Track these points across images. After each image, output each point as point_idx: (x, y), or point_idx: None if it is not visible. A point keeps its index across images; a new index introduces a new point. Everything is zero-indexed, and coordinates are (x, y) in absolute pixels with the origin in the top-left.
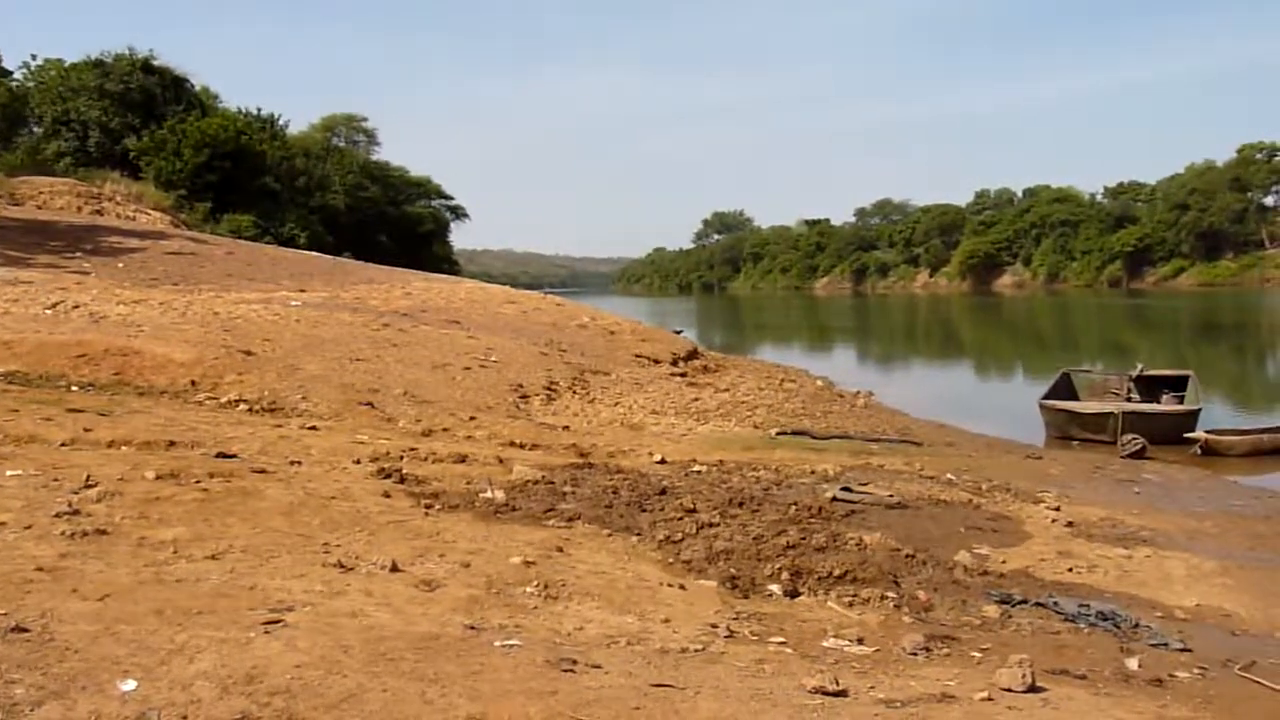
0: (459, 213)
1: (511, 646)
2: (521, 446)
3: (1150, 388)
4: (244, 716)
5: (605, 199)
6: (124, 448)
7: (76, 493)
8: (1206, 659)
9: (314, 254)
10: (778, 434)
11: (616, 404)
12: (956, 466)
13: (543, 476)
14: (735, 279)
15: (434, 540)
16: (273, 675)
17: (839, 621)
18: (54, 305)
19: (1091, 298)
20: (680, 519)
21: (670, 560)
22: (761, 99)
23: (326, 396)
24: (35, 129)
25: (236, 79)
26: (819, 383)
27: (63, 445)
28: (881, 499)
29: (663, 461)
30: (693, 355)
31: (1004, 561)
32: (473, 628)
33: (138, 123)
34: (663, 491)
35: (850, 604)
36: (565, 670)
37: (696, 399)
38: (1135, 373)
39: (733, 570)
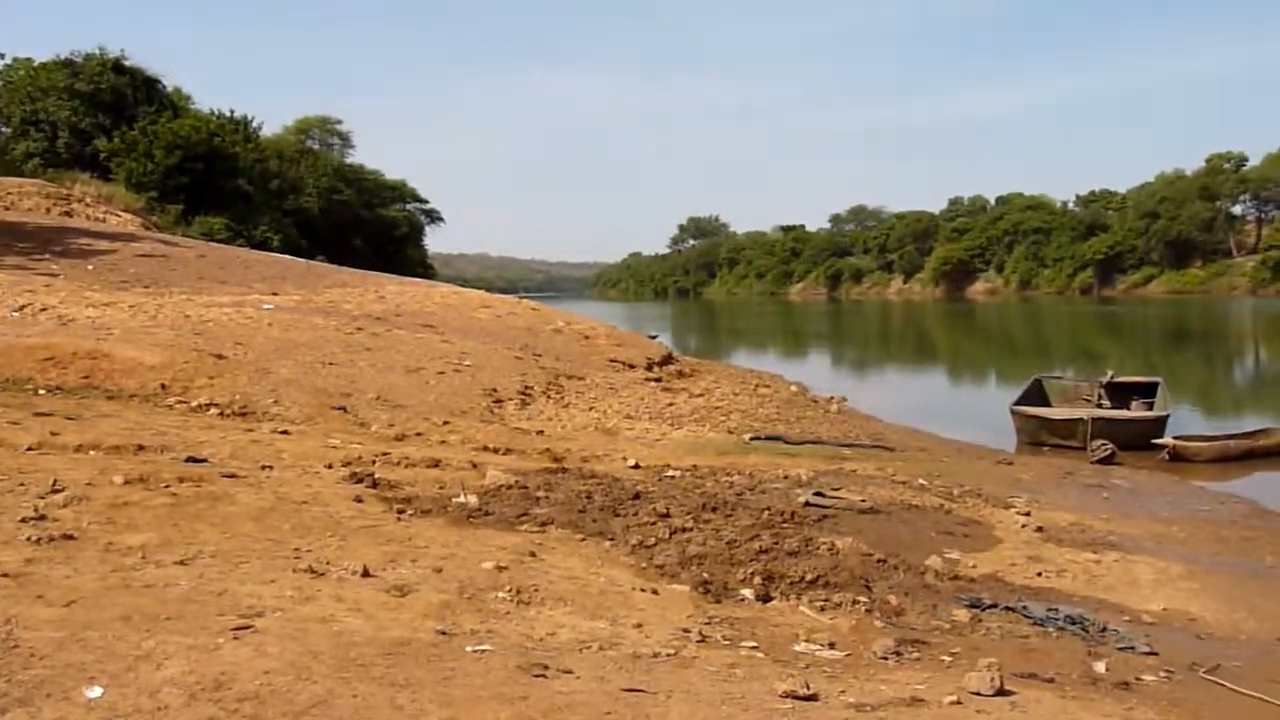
0: (434, 216)
1: (483, 652)
2: (495, 451)
3: (1120, 394)
4: None
5: (582, 204)
6: (92, 452)
7: (43, 497)
8: (1172, 662)
9: (287, 257)
10: (752, 439)
11: (591, 409)
12: (928, 471)
13: (516, 481)
14: (711, 284)
15: (406, 545)
16: (241, 681)
17: (811, 626)
18: (21, 308)
19: (1063, 305)
20: (653, 524)
21: (643, 565)
22: (738, 105)
23: (299, 400)
24: (3, 129)
25: (209, 80)
26: (793, 388)
27: (29, 449)
28: (854, 504)
29: (637, 466)
30: (667, 360)
31: (974, 566)
32: (444, 633)
33: (108, 123)
34: (636, 496)
35: (822, 608)
36: (537, 675)
37: (671, 404)
38: (1106, 379)
39: (705, 575)
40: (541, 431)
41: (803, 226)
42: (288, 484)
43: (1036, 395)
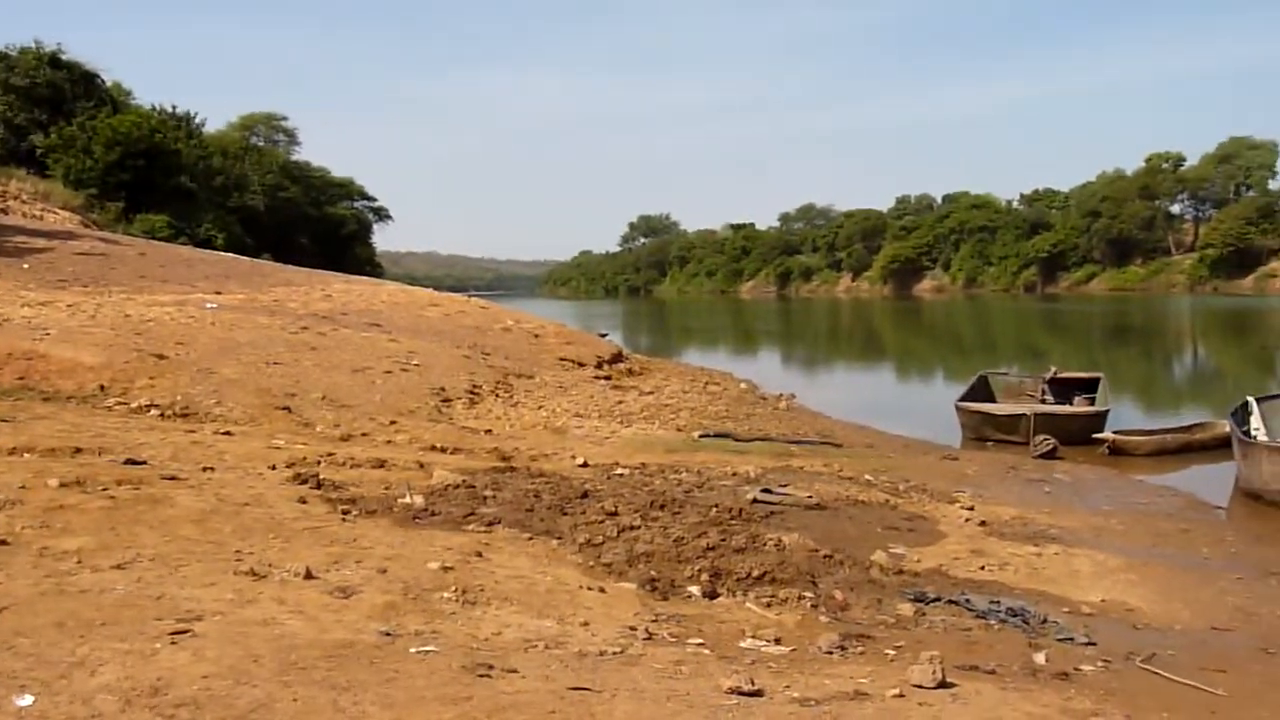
0: (382, 214)
1: (427, 653)
2: (443, 451)
3: (1063, 390)
4: None
5: (532, 202)
6: (26, 455)
7: None
8: (1110, 652)
9: (231, 255)
10: (701, 436)
11: (540, 407)
12: (875, 467)
13: (463, 481)
14: (661, 282)
15: (350, 546)
16: (179, 686)
17: (757, 622)
18: None
19: (1008, 302)
20: (601, 522)
21: (591, 563)
22: (689, 104)
23: (242, 401)
24: None
25: (151, 77)
26: (743, 386)
27: None
28: (801, 500)
29: (585, 465)
30: (617, 358)
31: (919, 560)
32: (388, 634)
33: (45, 119)
34: (584, 495)
35: (768, 604)
36: (481, 675)
37: (621, 402)
38: (1049, 375)
39: (653, 572)
40: (490, 431)
41: (753, 225)
42: (230, 485)
43: (982, 391)
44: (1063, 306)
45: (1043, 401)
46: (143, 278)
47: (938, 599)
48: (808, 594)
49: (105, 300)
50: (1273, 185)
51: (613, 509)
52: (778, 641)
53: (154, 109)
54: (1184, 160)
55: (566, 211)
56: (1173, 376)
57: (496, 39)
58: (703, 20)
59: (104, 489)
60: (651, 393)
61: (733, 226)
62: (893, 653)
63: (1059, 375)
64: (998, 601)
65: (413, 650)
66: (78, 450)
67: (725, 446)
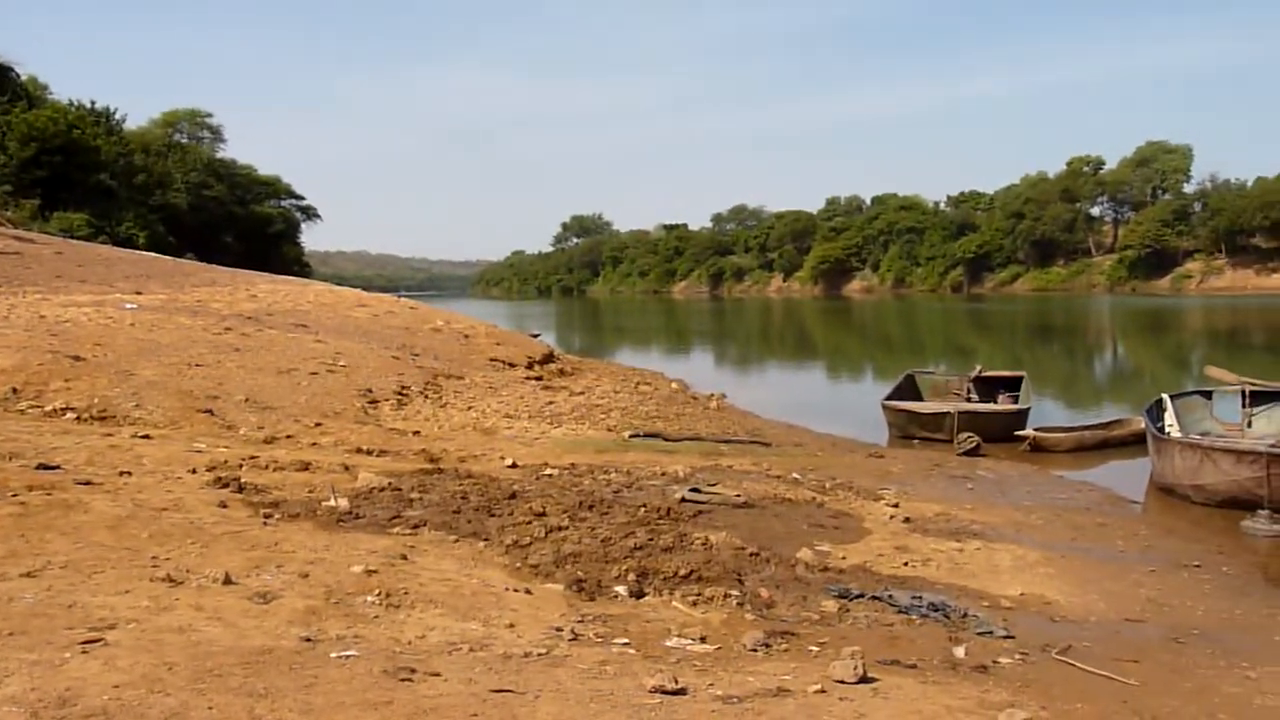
0: (310, 213)
1: (348, 657)
2: (369, 453)
3: (988, 388)
4: None
5: (465, 201)
6: None
7: None
8: (1027, 645)
9: (153, 255)
10: (631, 436)
11: (470, 408)
12: (803, 466)
13: (389, 483)
14: (594, 282)
15: (272, 551)
16: (89, 697)
17: (683, 621)
18: None
19: (935, 302)
20: (529, 523)
21: (517, 565)
22: (623, 104)
23: (162, 404)
24: None
25: (69, 71)
26: (674, 385)
27: None
28: (729, 499)
29: (514, 465)
30: (549, 358)
31: (844, 557)
32: (309, 639)
33: None
34: (513, 496)
35: (695, 603)
36: (403, 680)
37: (551, 402)
38: (974, 374)
39: (580, 573)
40: (418, 432)
41: (685, 225)
42: (147, 490)
43: (909, 390)
44: (988, 306)
45: (968, 400)
46: (59, 277)
47: (861, 595)
48: (734, 592)
49: (19, 301)
50: (1187, 188)
51: (541, 510)
52: (703, 640)
53: (71, 104)
54: (1104, 163)
55: (499, 211)
56: (1094, 374)
57: (429, 37)
58: (636, 19)
59: (14, 495)
60: (582, 393)
61: (665, 227)
62: (816, 649)
63: (983, 374)
64: (920, 597)
65: (333, 655)
66: None
67: (655, 446)
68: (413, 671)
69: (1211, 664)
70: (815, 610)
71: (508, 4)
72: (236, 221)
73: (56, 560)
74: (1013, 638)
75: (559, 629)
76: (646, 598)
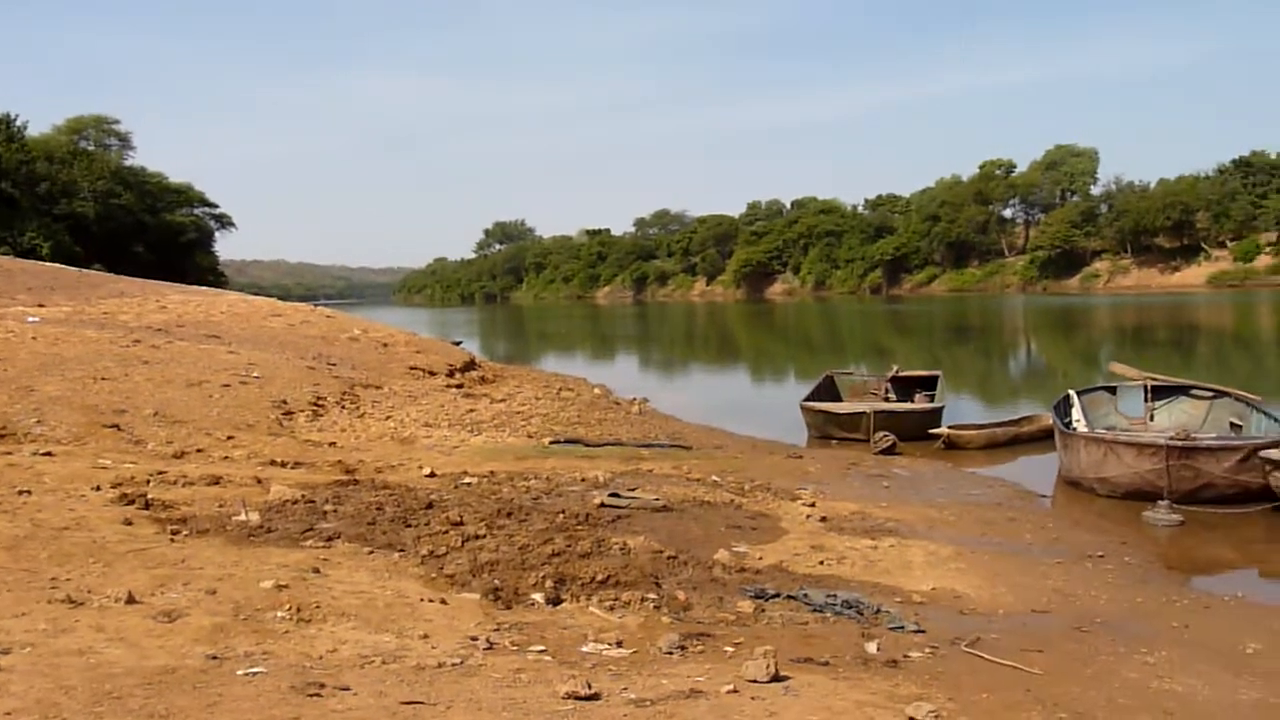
0: (225, 221)
1: (255, 674)
2: (283, 465)
3: (905, 387)
4: None
5: (386, 208)
6: None
7: None
8: (938, 638)
9: (57, 266)
10: (551, 443)
11: (388, 418)
12: (722, 468)
13: (303, 496)
14: (518, 289)
15: (178, 568)
16: None
17: (600, 626)
18: None
19: (855, 304)
20: (446, 533)
21: (433, 575)
22: (545, 109)
23: (66, 419)
24: None
25: None
26: (596, 391)
27: None
28: (648, 503)
29: (432, 475)
30: (470, 366)
31: (761, 558)
32: (215, 657)
33: None
34: (430, 505)
35: (612, 608)
36: (311, 695)
37: (472, 410)
38: (891, 374)
39: (497, 581)
40: (334, 443)
41: (608, 230)
42: (48, 509)
43: (828, 390)
44: (906, 307)
45: (886, 399)
46: None
47: (777, 595)
48: (651, 596)
49: None
50: (1094, 190)
51: (458, 519)
52: (619, 644)
53: None
54: (1014, 167)
55: (421, 218)
56: (1008, 372)
57: (346, 41)
58: (556, 24)
59: None
60: (503, 400)
61: (589, 232)
62: (731, 650)
63: (900, 374)
64: (834, 595)
65: (239, 673)
66: None
67: (576, 452)
68: (322, 686)
69: (1112, 650)
70: (731, 611)
71: (429, 6)
72: (147, 230)
73: None
74: (924, 632)
75: (474, 638)
76: (564, 604)
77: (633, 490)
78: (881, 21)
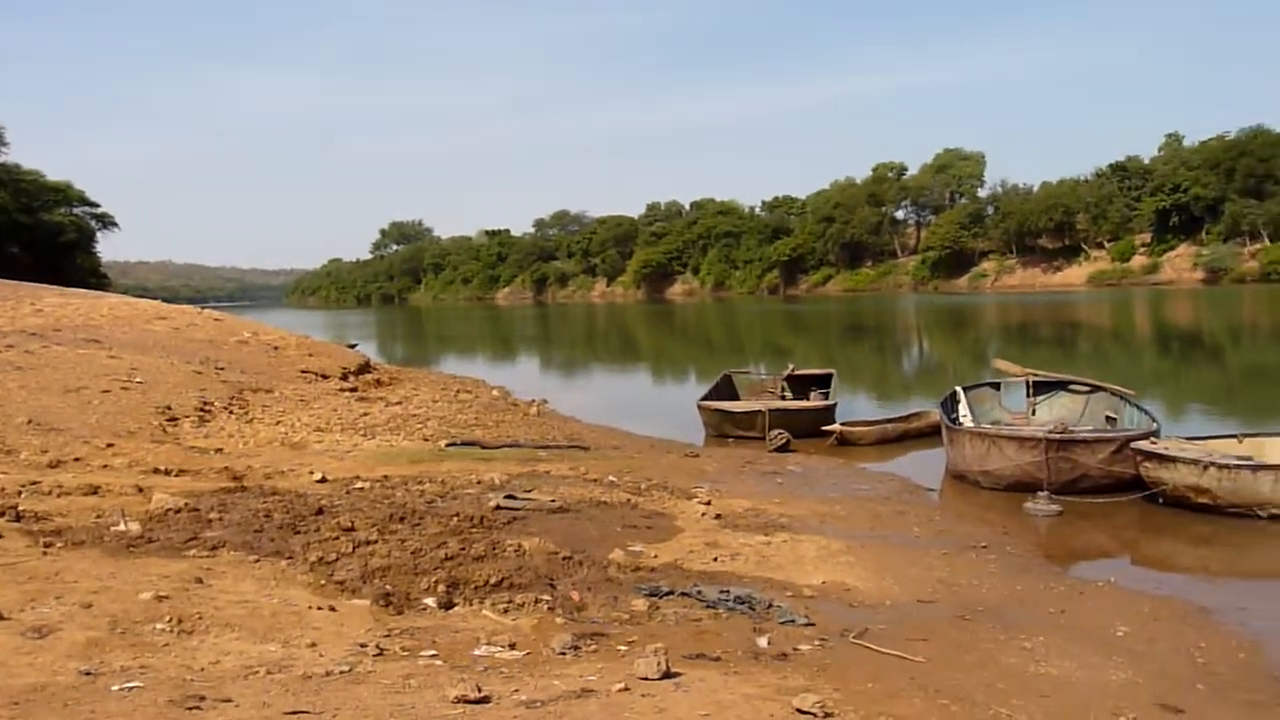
0: (107, 221)
1: (131, 689)
2: (167, 473)
3: (801, 385)
4: None
5: (279, 208)
6: None
7: None
8: (827, 631)
9: None
10: (448, 445)
11: (278, 423)
12: (619, 468)
13: (186, 504)
14: (416, 290)
15: (51, 582)
16: None
17: (492, 629)
18: None
19: (754, 304)
20: (336, 539)
21: (322, 582)
22: (442, 108)
23: None
24: None
25: None
26: (495, 393)
27: None
28: (544, 504)
29: (324, 480)
30: (365, 369)
31: (656, 556)
32: (89, 673)
33: None
34: (320, 511)
35: (505, 610)
36: (190, 709)
37: (366, 414)
38: (787, 372)
39: (388, 587)
40: (221, 449)
41: (508, 231)
42: None
43: (726, 390)
44: (803, 307)
45: (782, 398)
46: None
47: (671, 592)
48: (545, 597)
49: None
50: (981, 193)
51: (349, 524)
52: (512, 647)
53: None
54: (906, 170)
55: (315, 218)
56: (901, 370)
57: (239, 36)
58: (452, 22)
59: None
60: (399, 403)
61: (488, 233)
62: (625, 648)
63: (796, 372)
64: (727, 591)
65: (115, 688)
66: None
67: (472, 455)
68: (202, 699)
69: (993, 638)
70: (626, 610)
71: (331, 6)
72: (21, 231)
73: None
74: (813, 625)
75: (364, 645)
76: (456, 608)
77: (529, 492)
78: (782, 25)
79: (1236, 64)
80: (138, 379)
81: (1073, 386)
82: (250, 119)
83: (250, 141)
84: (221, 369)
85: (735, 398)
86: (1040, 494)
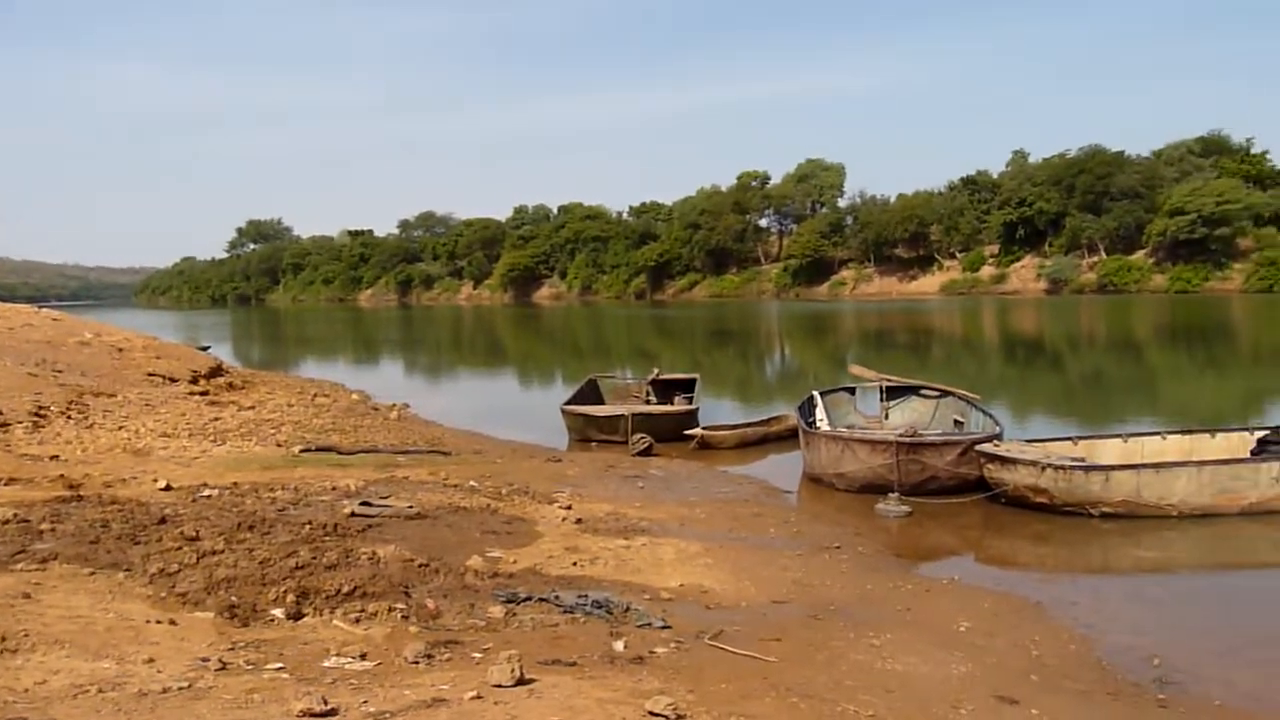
0: None
1: None
2: None
3: (665, 390)
4: None
5: (127, 203)
6: None
7: None
8: (683, 633)
9: None
10: (302, 451)
11: (121, 428)
12: (480, 473)
13: (15, 515)
14: (275, 291)
15: None
16: None
17: (343, 639)
18: None
19: (621, 308)
20: (179, 549)
21: (163, 595)
22: (301, 104)
23: None
24: None
25: None
26: (354, 397)
27: None
28: (401, 511)
29: (168, 488)
30: (217, 372)
31: (515, 562)
32: None
33: None
34: (163, 520)
35: (358, 620)
36: None
37: (217, 419)
38: (652, 377)
39: (234, 598)
40: (57, 456)
41: (371, 232)
42: None
43: (591, 394)
44: (669, 312)
45: (647, 402)
46: None
47: (529, 598)
48: (400, 605)
49: None
50: (841, 203)
51: (194, 534)
52: (364, 657)
53: None
54: (769, 178)
55: (167, 215)
56: (764, 374)
57: (83, 21)
58: (317, 17)
59: None
60: (252, 407)
61: (351, 233)
62: (480, 656)
63: (661, 377)
64: (585, 595)
65: None
66: None
67: (328, 460)
68: None
69: (843, 636)
70: (482, 617)
71: None
72: None
73: None
74: (670, 627)
75: (205, 659)
76: (306, 619)
77: (386, 498)
78: (653, 32)
79: (1076, 85)
80: None
81: (923, 391)
82: (94, 110)
83: (96, 133)
84: (60, 371)
85: (601, 402)
86: (891, 495)
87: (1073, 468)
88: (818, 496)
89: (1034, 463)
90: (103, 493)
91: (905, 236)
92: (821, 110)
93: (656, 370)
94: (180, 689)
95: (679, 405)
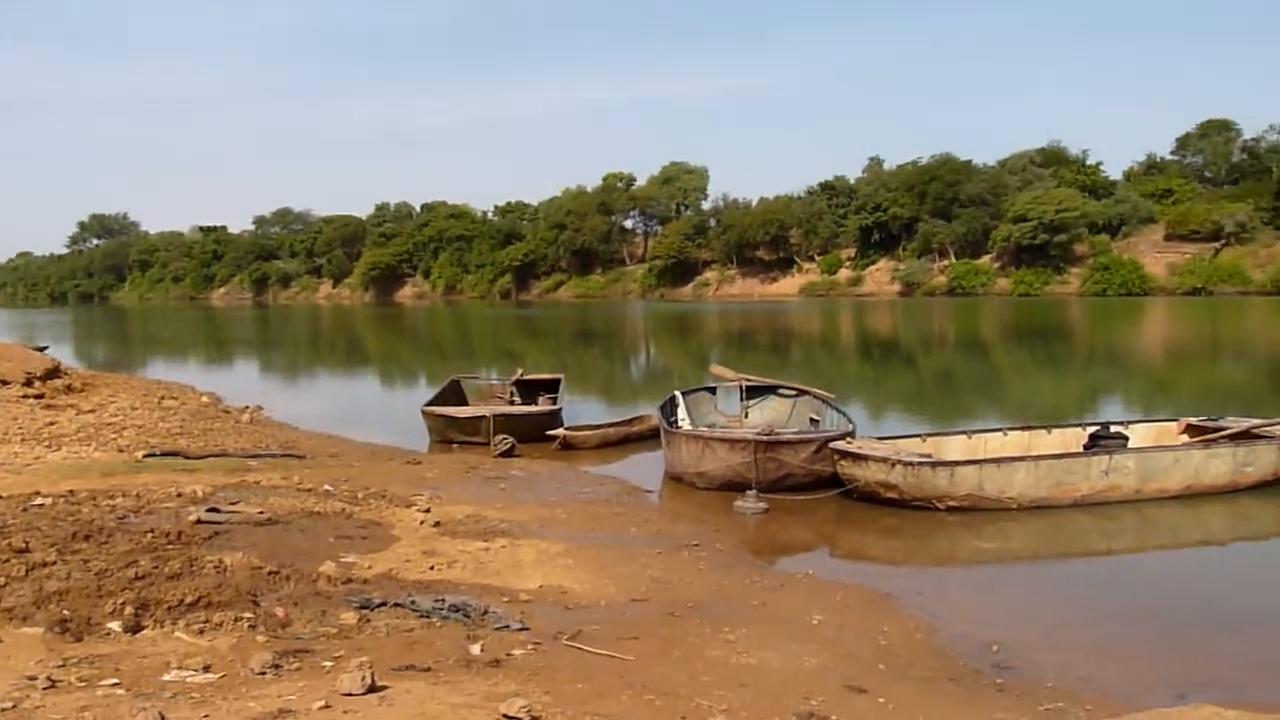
0: None
1: None
2: None
3: (530, 390)
4: None
5: None
6: None
7: None
8: (542, 634)
9: None
10: (146, 456)
11: None
12: (336, 477)
13: None
14: (121, 288)
15: None
16: None
17: (185, 651)
18: None
19: (486, 309)
20: (6, 562)
21: None
22: (152, 93)
23: None
24: None
25: None
26: (204, 399)
27: None
28: (251, 517)
29: None
30: (54, 374)
31: (370, 567)
32: None
33: None
34: None
35: (201, 631)
36: None
37: (52, 423)
38: (516, 377)
39: (66, 612)
40: None
41: (224, 228)
42: None
43: (454, 395)
44: (535, 313)
45: (511, 403)
46: None
47: (384, 604)
48: (247, 615)
49: None
50: (705, 205)
51: (23, 545)
52: (207, 669)
53: None
54: (635, 180)
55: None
56: (629, 374)
57: None
58: (173, 4)
59: None
60: (93, 411)
61: (202, 229)
62: (330, 664)
63: (525, 377)
64: (442, 599)
65: None
66: None
67: (174, 465)
68: None
69: (700, 632)
70: (334, 624)
71: None
72: None
73: None
74: (528, 629)
75: (33, 678)
76: (145, 631)
77: (235, 504)
78: (520, 30)
79: (926, 93)
80: None
81: (781, 391)
82: None
83: None
84: None
85: (464, 403)
86: (749, 493)
87: (920, 464)
88: (679, 495)
89: (884, 459)
90: None
91: (766, 239)
92: (686, 113)
93: (521, 371)
94: (3, 710)
95: (542, 405)
